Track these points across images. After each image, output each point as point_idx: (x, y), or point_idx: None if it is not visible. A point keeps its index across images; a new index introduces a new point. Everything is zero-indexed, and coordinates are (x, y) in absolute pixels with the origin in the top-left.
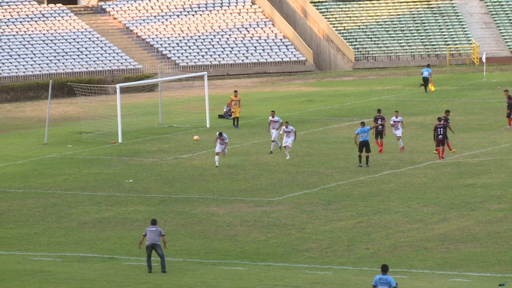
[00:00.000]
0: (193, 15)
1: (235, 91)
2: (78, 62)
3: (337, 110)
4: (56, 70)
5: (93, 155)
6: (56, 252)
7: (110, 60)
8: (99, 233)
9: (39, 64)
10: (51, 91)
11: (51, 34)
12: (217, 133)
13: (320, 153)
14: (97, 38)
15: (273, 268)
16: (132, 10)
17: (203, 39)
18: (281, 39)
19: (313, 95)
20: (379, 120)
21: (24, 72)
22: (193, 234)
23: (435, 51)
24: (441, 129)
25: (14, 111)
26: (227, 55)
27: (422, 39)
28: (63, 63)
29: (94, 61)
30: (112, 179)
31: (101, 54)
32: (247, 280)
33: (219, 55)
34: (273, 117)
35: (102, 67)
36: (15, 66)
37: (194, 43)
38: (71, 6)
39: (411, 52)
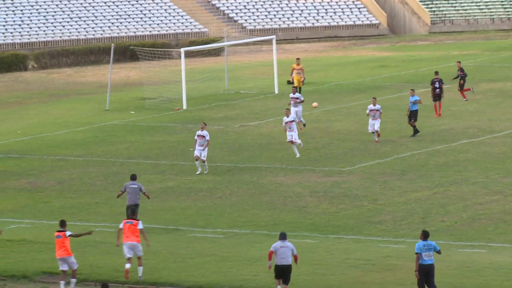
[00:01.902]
0: None
1: (297, 59)
2: (141, 25)
3: (412, 76)
4: (118, 34)
5: (156, 122)
6: (118, 222)
7: (174, 23)
8: (163, 203)
9: (101, 27)
10: (113, 55)
11: None
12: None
13: (393, 121)
14: (161, 0)
15: (344, 241)
16: None
17: (272, 1)
18: (353, 1)
19: (387, 60)
20: (437, 83)
21: (85, 35)
22: (261, 205)
23: None
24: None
25: (75, 76)
26: (296, 18)
27: (502, 1)
28: (125, 26)
29: (158, 24)
30: (176, 147)
31: (165, 17)
32: (317, 253)
33: (288, 18)
34: (287, 116)
35: (166, 31)
36: (76, 29)
37: (262, 5)
38: None
39: (491, 15)
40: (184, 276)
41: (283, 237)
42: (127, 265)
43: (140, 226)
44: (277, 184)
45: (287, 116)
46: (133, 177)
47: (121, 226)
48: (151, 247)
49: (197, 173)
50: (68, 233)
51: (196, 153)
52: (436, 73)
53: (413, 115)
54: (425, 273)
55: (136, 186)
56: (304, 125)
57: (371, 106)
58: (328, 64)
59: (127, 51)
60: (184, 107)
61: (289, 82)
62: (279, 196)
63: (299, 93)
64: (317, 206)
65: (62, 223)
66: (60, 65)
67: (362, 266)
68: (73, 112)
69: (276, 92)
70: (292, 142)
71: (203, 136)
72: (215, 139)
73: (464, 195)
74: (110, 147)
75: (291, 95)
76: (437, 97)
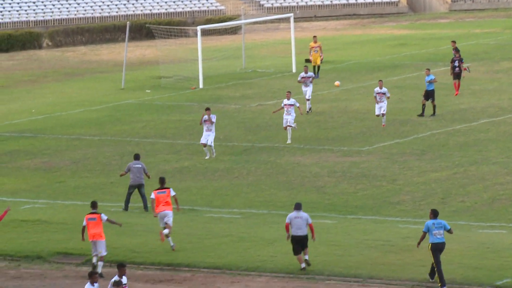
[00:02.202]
0: None
1: (314, 37)
2: (157, 3)
3: (432, 54)
4: (134, 11)
5: (172, 101)
6: (134, 203)
7: (190, 1)
8: (179, 183)
9: (116, 5)
10: (128, 33)
11: None
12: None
13: (413, 100)
14: None
15: (362, 222)
16: None
17: None
18: None
19: (406, 38)
20: (456, 61)
21: (100, 13)
22: (278, 185)
23: None
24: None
25: (90, 54)
26: None
27: None
28: (141, 3)
29: (174, 2)
30: (192, 127)
31: None
32: (335, 234)
33: None
34: (288, 99)
35: (182, 8)
36: (91, 6)
37: None
38: None
39: None
40: (200, 257)
41: (298, 207)
42: (165, 231)
43: (173, 193)
44: (295, 164)
45: (288, 99)
46: (137, 157)
47: (152, 196)
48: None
49: (205, 158)
50: (104, 217)
51: (203, 140)
52: (457, 50)
53: (430, 95)
54: (439, 251)
55: (140, 165)
56: (310, 109)
57: (377, 89)
58: (347, 43)
59: (143, 29)
60: (201, 86)
61: (308, 61)
62: (297, 176)
63: (318, 72)
64: (335, 186)
65: (94, 205)
66: (75, 43)
67: (380, 247)
68: (88, 91)
69: (294, 70)
70: (286, 128)
71: (212, 122)
72: (232, 118)
73: (484, 175)
74: (125, 126)
75: (302, 74)
76: (456, 75)
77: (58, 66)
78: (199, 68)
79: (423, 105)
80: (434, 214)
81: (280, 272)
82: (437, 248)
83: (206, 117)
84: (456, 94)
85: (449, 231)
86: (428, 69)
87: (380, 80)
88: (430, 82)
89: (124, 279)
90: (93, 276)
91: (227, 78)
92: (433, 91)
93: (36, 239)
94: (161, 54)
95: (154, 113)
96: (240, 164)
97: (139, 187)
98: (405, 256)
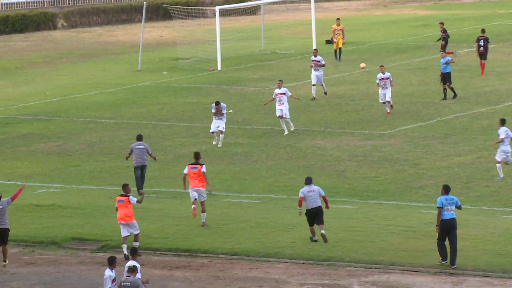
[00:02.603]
0: None
1: (337, 19)
2: None
3: (455, 35)
4: None
5: (190, 83)
6: (150, 187)
7: None
8: None
9: None
10: (145, 14)
11: None
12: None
13: (436, 82)
14: None
15: (384, 207)
16: None
17: None
18: None
19: (429, 19)
20: (482, 41)
21: None
22: (298, 169)
23: None
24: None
25: (106, 35)
26: None
27: None
28: None
29: None
30: (210, 110)
31: None
32: (356, 219)
33: None
34: (279, 88)
35: None
36: None
37: None
38: None
39: None
40: (218, 243)
41: (308, 181)
42: (193, 206)
43: (204, 169)
44: (315, 148)
45: (279, 88)
46: (139, 138)
47: (185, 171)
48: (185, 213)
49: (213, 143)
50: (133, 200)
51: (213, 128)
52: (483, 31)
53: (447, 78)
54: (448, 228)
55: (142, 146)
56: (326, 93)
57: (380, 75)
58: (368, 23)
59: (160, 10)
60: (219, 67)
61: (328, 42)
62: (317, 160)
63: (340, 55)
64: (356, 170)
65: (125, 187)
66: (90, 24)
67: (402, 233)
68: (104, 72)
69: None
70: (281, 117)
71: (223, 113)
72: (250, 101)
73: None
74: (141, 109)
75: (312, 57)
76: (482, 55)
77: (73, 47)
78: (217, 49)
79: (444, 89)
80: (446, 189)
81: (300, 259)
82: (447, 225)
83: (213, 110)
84: (482, 75)
85: (459, 207)
86: (443, 51)
87: (381, 66)
88: (447, 63)
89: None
90: (114, 262)
91: (245, 59)
92: (449, 73)
93: (51, 224)
94: (178, 35)
95: (171, 96)
96: (259, 147)
97: (142, 168)
98: (427, 242)
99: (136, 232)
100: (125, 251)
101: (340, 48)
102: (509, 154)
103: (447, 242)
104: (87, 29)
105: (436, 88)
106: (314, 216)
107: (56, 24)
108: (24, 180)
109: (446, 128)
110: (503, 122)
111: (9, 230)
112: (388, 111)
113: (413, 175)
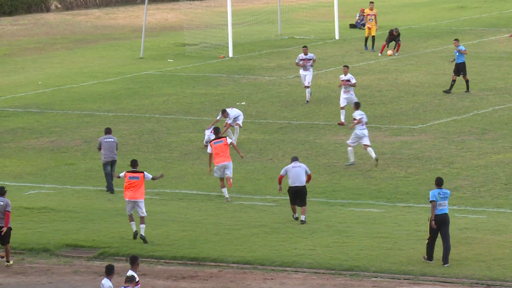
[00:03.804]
0: None
1: (371, 3)
2: None
3: (495, 18)
4: None
5: (198, 71)
6: (153, 188)
7: None
8: (205, 166)
9: None
10: None
11: None
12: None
13: (473, 71)
14: None
15: (414, 210)
16: None
17: None
18: None
19: (466, 0)
20: None
21: None
22: (318, 169)
23: None
24: None
25: (104, 18)
26: None
27: None
28: None
29: None
30: (220, 101)
31: None
32: (382, 224)
33: None
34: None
35: None
36: None
37: None
38: None
39: None
40: (229, 251)
41: (295, 159)
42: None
43: (229, 140)
44: (337, 144)
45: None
46: (108, 131)
47: (209, 150)
48: (192, 217)
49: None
50: (148, 176)
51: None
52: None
53: (461, 69)
54: (440, 223)
55: (112, 140)
56: (308, 100)
57: (342, 76)
58: (398, 6)
59: None
60: (230, 54)
61: (353, 26)
62: (339, 158)
63: (373, 44)
64: (383, 169)
65: (134, 163)
66: (87, 5)
67: None
68: (102, 60)
69: (337, 37)
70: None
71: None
72: (266, 92)
73: None
74: (144, 101)
75: (301, 55)
76: None
77: (68, 31)
78: (229, 34)
79: (453, 80)
80: (439, 182)
81: (320, 268)
82: (440, 220)
83: (219, 116)
84: None
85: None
86: (457, 40)
87: (345, 66)
88: (460, 53)
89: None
90: (112, 272)
91: (260, 46)
92: (463, 64)
93: (42, 230)
94: (185, 18)
95: (177, 86)
96: (275, 144)
97: (112, 164)
98: (463, 249)
99: (142, 215)
100: (134, 228)
101: (373, 36)
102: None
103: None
104: (84, 11)
105: (473, 78)
106: (296, 195)
107: (49, 6)
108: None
109: (483, 123)
110: (357, 106)
111: (11, 229)
112: (342, 120)
113: (446, 175)
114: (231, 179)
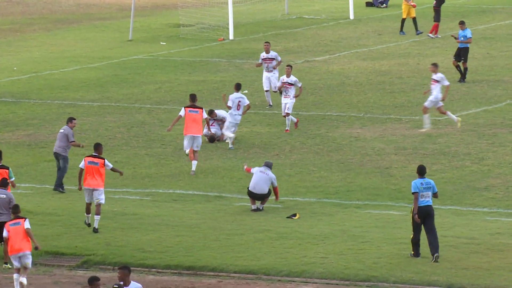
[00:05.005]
0: None
1: None
2: None
3: None
4: None
5: (194, 56)
6: (144, 188)
7: None
8: (203, 162)
9: None
10: None
11: None
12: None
13: (504, 55)
14: None
15: (439, 213)
16: None
17: None
18: None
19: None
20: None
21: None
22: (331, 166)
23: None
24: None
25: None
26: None
27: None
28: None
29: None
30: (220, 89)
31: None
32: (403, 229)
33: None
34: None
35: None
36: None
37: None
38: None
39: None
40: (230, 259)
41: (268, 164)
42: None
43: (205, 115)
44: (352, 138)
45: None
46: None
47: (181, 113)
48: (188, 221)
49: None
50: (109, 165)
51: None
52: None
53: (463, 54)
54: (424, 216)
55: (62, 131)
56: (271, 105)
57: (284, 78)
58: None
59: None
60: (231, 37)
61: (369, 4)
62: (355, 153)
63: (416, 26)
64: (404, 167)
65: (98, 147)
66: None
67: (462, 246)
68: (86, 43)
69: (351, 17)
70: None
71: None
72: None
73: None
74: (134, 89)
75: (263, 54)
76: None
77: (47, 11)
78: (229, 13)
79: (457, 66)
80: (421, 171)
81: (333, 278)
82: (423, 212)
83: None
84: None
85: (435, 195)
86: (463, 23)
87: (288, 66)
88: (464, 39)
89: None
90: (94, 284)
91: (264, 26)
92: (466, 49)
93: None
94: None
95: (170, 72)
96: (281, 138)
97: (58, 157)
98: (494, 257)
99: (102, 202)
100: (87, 221)
101: (414, 18)
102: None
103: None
104: None
105: (506, 63)
106: (254, 197)
107: None
108: None
109: None
110: (238, 88)
111: None
112: (287, 128)
113: (476, 173)
114: (197, 154)
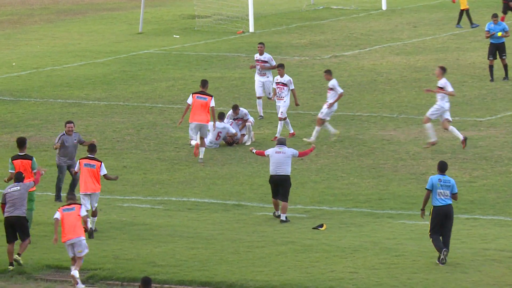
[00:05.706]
0: None
1: None
2: None
3: None
4: None
5: (211, 50)
6: (155, 196)
7: None
8: (220, 168)
9: None
10: None
11: None
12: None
13: None
14: None
15: (481, 223)
16: None
17: None
18: None
19: None
20: None
21: None
22: (361, 172)
23: None
24: None
25: None
26: None
27: None
28: None
29: None
30: (239, 87)
31: None
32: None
33: None
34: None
35: None
36: None
37: None
38: None
39: None
40: (250, 274)
41: (281, 142)
42: (193, 142)
43: (213, 103)
44: (385, 141)
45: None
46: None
47: (189, 100)
48: (204, 232)
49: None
50: (104, 170)
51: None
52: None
53: (501, 50)
54: (441, 217)
55: (75, 140)
56: (262, 116)
57: (278, 78)
58: None
59: None
60: (251, 29)
61: None
62: (387, 158)
63: (470, 19)
64: None
65: (92, 148)
66: None
67: (507, 261)
68: (92, 36)
69: (384, 7)
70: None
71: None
72: (295, 75)
73: None
74: (144, 87)
75: (256, 56)
76: None
77: (49, 0)
78: (249, 4)
79: (490, 66)
80: (441, 167)
81: None
82: (441, 212)
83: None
84: None
85: (454, 196)
86: (496, 16)
87: (280, 65)
88: (503, 33)
89: None
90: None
91: (288, 18)
92: (503, 44)
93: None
94: None
95: (185, 68)
96: (305, 141)
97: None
98: None
99: (95, 205)
100: (90, 226)
101: (467, 10)
102: None
103: None
104: None
105: None
106: (278, 186)
107: None
108: None
109: None
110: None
111: (27, 220)
112: (277, 135)
113: None
114: (204, 142)
